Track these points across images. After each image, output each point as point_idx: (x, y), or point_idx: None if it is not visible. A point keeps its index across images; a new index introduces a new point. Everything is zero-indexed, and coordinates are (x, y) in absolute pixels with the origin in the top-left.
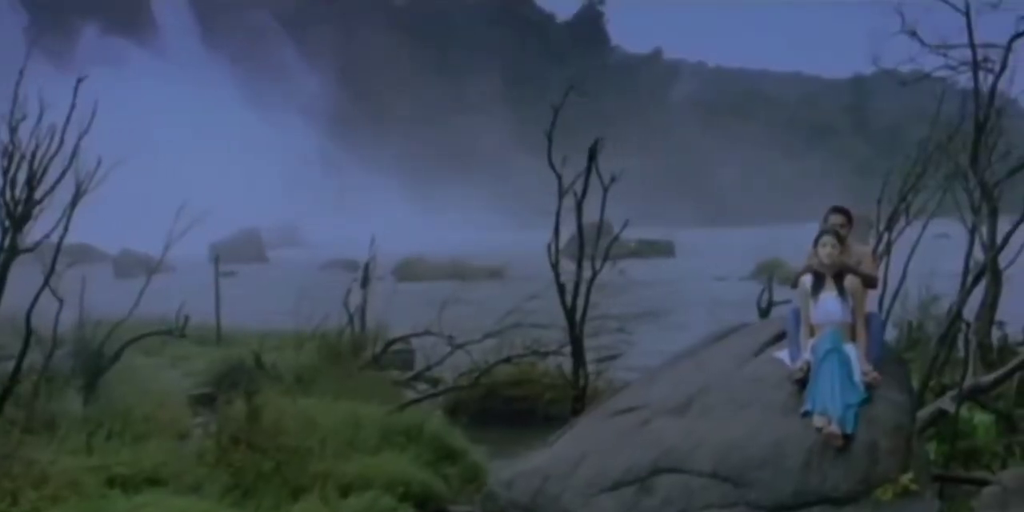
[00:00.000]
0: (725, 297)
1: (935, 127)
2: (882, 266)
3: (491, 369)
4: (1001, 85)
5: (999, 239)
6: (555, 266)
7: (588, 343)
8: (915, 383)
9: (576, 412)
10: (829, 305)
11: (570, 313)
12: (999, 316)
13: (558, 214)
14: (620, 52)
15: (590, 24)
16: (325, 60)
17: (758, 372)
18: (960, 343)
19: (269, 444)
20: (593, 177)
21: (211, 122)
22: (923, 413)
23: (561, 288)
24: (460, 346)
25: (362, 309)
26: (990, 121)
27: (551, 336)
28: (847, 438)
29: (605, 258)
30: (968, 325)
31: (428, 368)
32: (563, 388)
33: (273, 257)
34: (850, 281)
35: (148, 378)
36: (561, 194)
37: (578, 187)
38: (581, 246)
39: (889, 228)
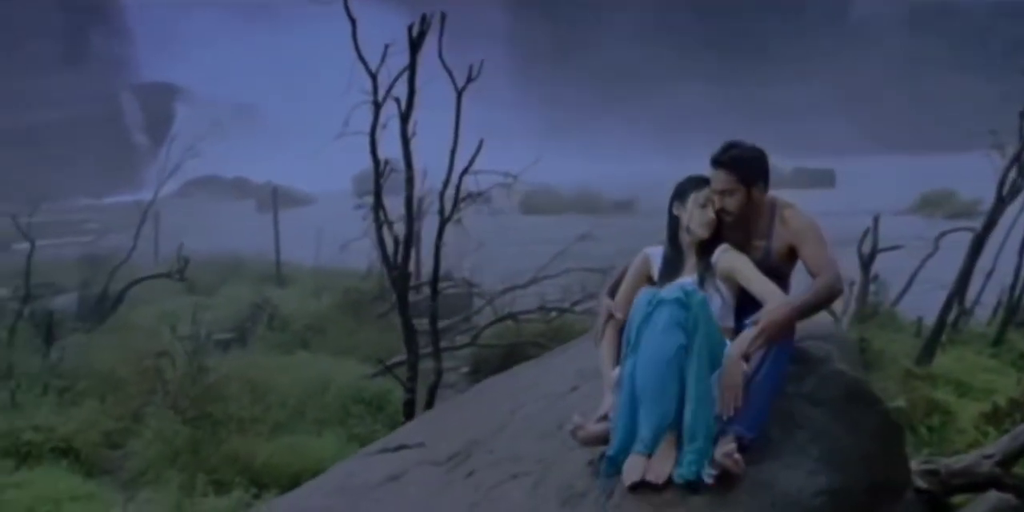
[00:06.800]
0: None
1: None
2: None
3: (492, 325)
4: None
5: None
6: (377, 207)
7: None
8: None
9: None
10: None
11: (399, 279)
12: None
13: (373, 131)
14: None
15: None
16: None
17: (575, 409)
18: None
19: (194, 413)
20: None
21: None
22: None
23: (384, 241)
24: (480, 295)
25: (416, 247)
26: None
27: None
28: None
29: (455, 203)
30: None
31: (467, 317)
32: None
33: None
34: (726, 258)
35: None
36: (377, 102)
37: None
38: (377, 178)
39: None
